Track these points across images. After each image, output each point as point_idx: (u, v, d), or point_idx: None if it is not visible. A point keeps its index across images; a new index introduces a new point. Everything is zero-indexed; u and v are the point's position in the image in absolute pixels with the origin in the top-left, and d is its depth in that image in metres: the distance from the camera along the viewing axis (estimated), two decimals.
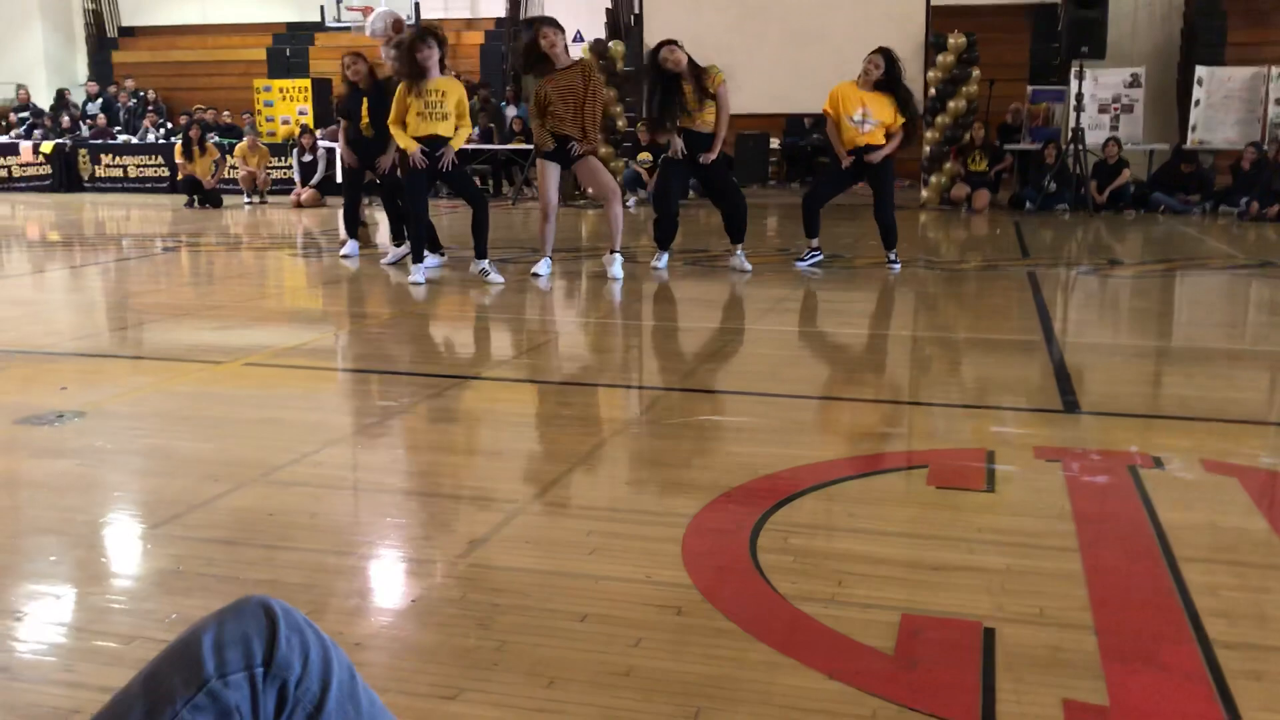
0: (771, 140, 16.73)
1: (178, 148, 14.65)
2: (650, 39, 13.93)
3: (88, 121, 17.95)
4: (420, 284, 7.15)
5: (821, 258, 7.97)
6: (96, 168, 16.80)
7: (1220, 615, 2.24)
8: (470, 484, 3.21)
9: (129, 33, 20.86)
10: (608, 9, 17.31)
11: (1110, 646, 2.11)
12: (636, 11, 15.23)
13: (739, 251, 7.74)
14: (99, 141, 17.10)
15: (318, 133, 15.21)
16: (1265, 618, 2.25)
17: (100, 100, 18.39)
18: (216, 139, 15.47)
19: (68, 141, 17.09)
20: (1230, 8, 15.72)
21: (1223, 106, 13.16)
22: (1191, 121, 13.34)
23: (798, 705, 1.91)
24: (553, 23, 7.26)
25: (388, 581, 2.52)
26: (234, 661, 1.09)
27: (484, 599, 2.33)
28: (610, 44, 14.40)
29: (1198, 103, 13.25)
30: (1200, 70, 13.39)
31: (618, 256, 7.46)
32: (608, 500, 3.04)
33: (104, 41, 20.63)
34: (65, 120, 17.75)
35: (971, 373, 4.80)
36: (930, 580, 2.43)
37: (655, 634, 2.17)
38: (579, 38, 16.55)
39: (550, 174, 7.39)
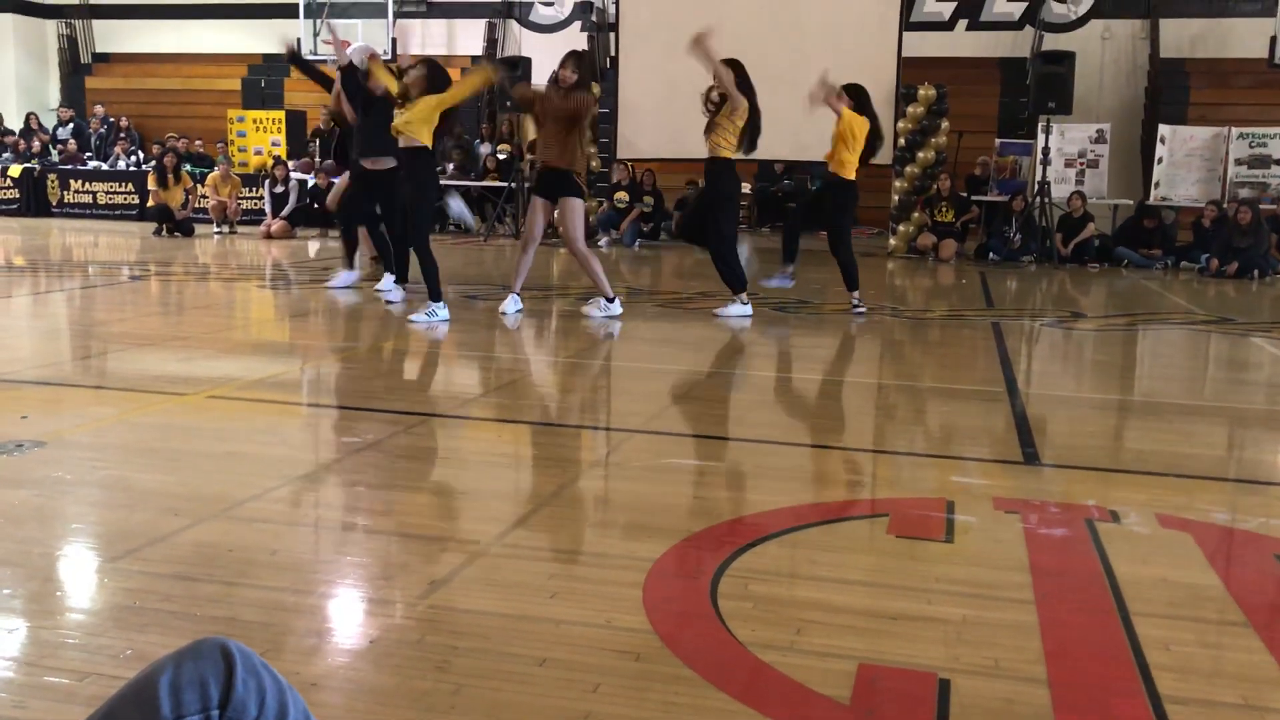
0: (743, 185, 16.87)
1: (151, 175, 14.57)
2: (625, 81, 14.09)
3: (58, 146, 17.84)
4: (395, 302, 7.56)
5: (789, 284, 8.16)
6: (65, 193, 16.68)
7: (1171, 670, 2.28)
8: (433, 523, 3.21)
9: (103, 59, 20.81)
10: (583, 51, 17.48)
11: (1062, 699, 2.14)
12: (612, 54, 15.39)
13: (735, 299, 7.64)
14: (69, 167, 17.00)
15: (290, 164, 15.19)
16: (1214, 674, 2.28)
17: (71, 125, 18.31)
18: (189, 168, 15.41)
19: (36, 165, 16.98)
20: (1193, 69, 16.09)
21: (1185, 164, 13.42)
22: (1154, 178, 13.59)
23: None
24: (577, 55, 7.37)
25: (346, 621, 2.51)
26: (190, 704, 1.09)
27: (443, 641, 2.32)
28: None
29: (1160, 160, 13.51)
30: (1163, 128, 13.67)
31: (598, 300, 7.42)
32: (571, 543, 3.05)
33: (78, 67, 20.56)
34: (35, 144, 17.64)
35: (934, 421, 4.85)
36: (888, 630, 2.45)
37: (614, 680, 2.17)
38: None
39: (537, 207, 7.38)
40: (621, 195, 14.29)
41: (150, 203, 14.60)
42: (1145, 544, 3.10)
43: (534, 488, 3.58)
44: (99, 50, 20.87)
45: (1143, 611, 2.58)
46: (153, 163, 15.25)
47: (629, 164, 14.58)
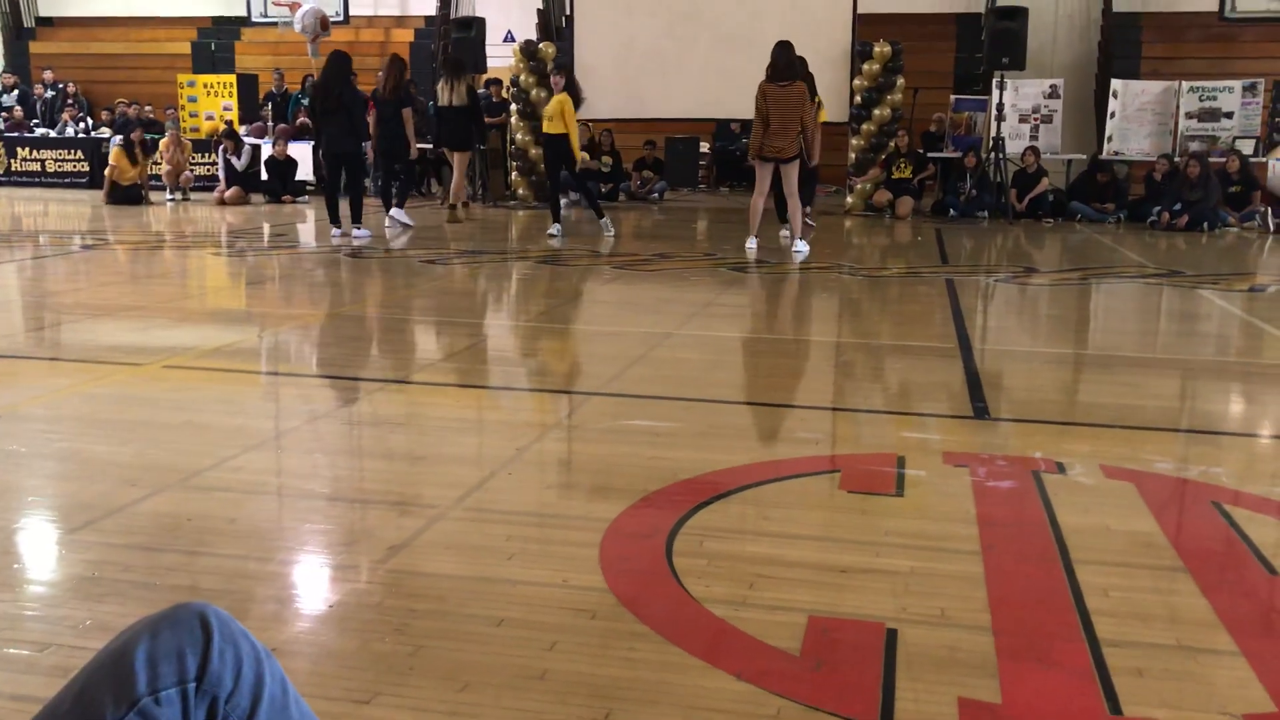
0: (701, 144, 16.85)
1: (115, 152, 14.02)
2: (581, 41, 14.00)
3: (3, 114, 17.48)
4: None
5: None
6: (13, 161, 16.37)
7: (1109, 615, 2.36)
8: (392, 489, 3.23)
9: (47, 23, 20.36)
10: (539, 10, 17.32)
11: (1006, 646, 2.21)
12: (568, 14, 15.26)
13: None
14: (15, 134, 16.67)
15: (242, 129, 14.98)
16: (1149, 617, 2.37)
17: (16, 92, 17.93)
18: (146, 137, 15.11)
19: None
20: (1146, 23, 16.21)
21: (1136, 119, 13.54)
22: (1107, 133, 13.72)
23: (706, 706, 1.97)
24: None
25: (306, 587, 2.54)
26: (166, 677, 1.09)
27: (402, 604, 2.36)
28: (541, 45, 14.41)
29: (1113, 114, 13.63)
30: (1115, 83, 13.78)
31: (793, 241, 8.94)
32: (528, 505, 3.08)
33: (21, 32, 20.10)
34: None
35: (888, 378, 4.92)
36: (838, 582, 2.51)
37: (570, 638, 2.22)
38: (509, 38, 16.54)
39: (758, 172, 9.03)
40: (581, 155, 14.21)
41: (109, 176, 14.08)
42: (1089, 494, 3.18)
43: (493, 451, 3.61)
44: (42, 14, 20.42)
45: (1084, 559, 2.67)
46: (119, 138, 14.71)
47: (588, 124, 14.51)
